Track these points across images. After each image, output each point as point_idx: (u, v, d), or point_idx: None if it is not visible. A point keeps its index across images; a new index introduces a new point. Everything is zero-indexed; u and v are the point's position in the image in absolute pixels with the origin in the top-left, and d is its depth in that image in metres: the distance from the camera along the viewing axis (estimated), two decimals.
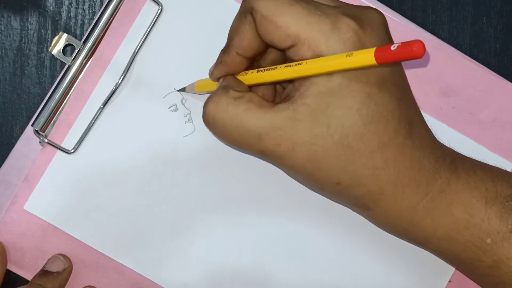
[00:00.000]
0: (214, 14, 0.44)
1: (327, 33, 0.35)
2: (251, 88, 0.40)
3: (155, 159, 0.44)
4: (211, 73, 0.41)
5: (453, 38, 0.47)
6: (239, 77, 0.40)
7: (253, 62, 0.40)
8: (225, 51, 0.39)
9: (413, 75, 0.45)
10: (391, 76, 0.37)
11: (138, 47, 0.44)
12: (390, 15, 0.45)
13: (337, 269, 0.45)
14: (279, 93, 0.42)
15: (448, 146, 0.41)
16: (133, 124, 0.44)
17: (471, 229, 0.38)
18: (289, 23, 0.36)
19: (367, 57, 0.33)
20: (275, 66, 0.38)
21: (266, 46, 0.39)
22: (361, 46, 0.35)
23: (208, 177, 0.45)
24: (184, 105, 0.45)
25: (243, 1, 0.38)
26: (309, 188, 0.43)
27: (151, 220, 0.44)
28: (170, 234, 0.44)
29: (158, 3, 0.44)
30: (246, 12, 0.38)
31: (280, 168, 0.41)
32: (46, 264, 0.44)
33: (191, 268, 0.45)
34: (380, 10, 0.44)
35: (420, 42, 0.31)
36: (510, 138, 0.45)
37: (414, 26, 0.45)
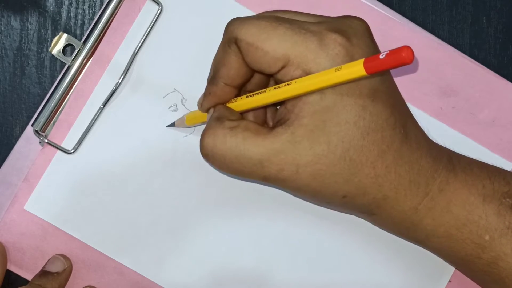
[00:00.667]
0: (214, 14, 0.44)
1: (314, 51, 0.35)
2: (242, 114, 0.40)
3: (155, 159, 0.44)
4: (200, 105, 0.41)
5: (453, 38, 0.47)
6: (229, 104, 0.40)
7: (241, 89, 0.40)
8: (212, 82, 0.39)
9: (413, 75, 0.45)
10: (381, 85, 0.37)
11: (138, 47, 0.44)
12: (390, 15, 0.45)
13: (337, 269, 0.45)
14: (271, 115, 0.42)
15: (445, 145, 0.41)
16: (133, 124, 0.44)
17: (470, 226, 0.39)
18: (275, 46, 0.36)
19: (356, 69, 0.33)
20: (264, 90, 0.38)
21: (253, 72, 0.39)
22: (350, 59, 0.35)
23: (208, 177, 0.45)
24: (184, 105, 0.45)
25: (225, 32, 0.38)
26: (315, 204, 0.43)
27: (151, 220, 0.44)
28: (170, 234, 0.44)
29: (158, 3, 0.44)
30: (230, 42, 0.37)
31: (285, 191, 0.41)
32: (46, 264, 0.44)
33: (191, 268, 0.45)
34: (380, 10, 0.44)
35: (408, 48, 0.30)
36: (510, 138, 0.45)
37: (414, 26, 0.45)
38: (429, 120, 0.45)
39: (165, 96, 0.45)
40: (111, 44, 0.44)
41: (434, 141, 0.40)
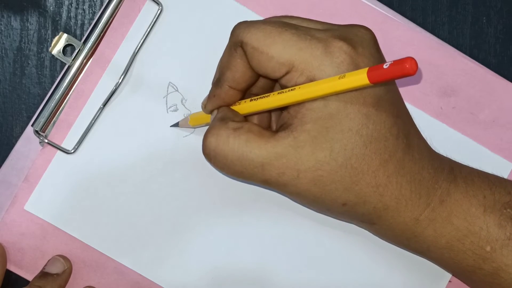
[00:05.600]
0: (214, 14, 0.44)
1: (319, 58, 0.35)
2: (246, 117, 0.40)
3: (155, 159, 0.44)
4: (204, 106, 0.41)
5: (453, 38, 0.47)
6: (233, 107, 0.40)
7: (246, 92, 0.40)
8: (217, 85, 0.39)
9: (414, 76, 0.45)
10: (386, 94, 0.37)
11: (138, 47, 0.44)
12: (390, 15, 0.45)
13: (337, 270, 0.45)
14: (276, 119, 0.42)
15: (445, 146, 0.41)
16: (133, 124, 0.44)
17: (471, 237, 0.39)
18: (280, 52, 0.36)
19: (360, 77, 0.33)
20: (268, 94, 0.38)
21: (258, 76, 0.39)
22: (355, 67, 0.35)
23: (208, 177, 0.45)
24: (184, 105, 0.45)
25: (231, 35, 0.38)
26: (314, 210, 0.43)
27: (151, 220, 0.44)
28: (170, 234, 0.44)
29: (158, 3, 0.44)
30: (236, 45, 0.37)
31: (285, 195, 0.41)
32: (45, 265, 0.44)
33: (191, 268, 0.45)
34: (380, 10, 0.44)
35: (412, 59, 0.30)
36: (510, 138, 0.45)
37: (414, 26, 0.45)
38: (429, 120, 0.45)
39: (165, 96, 0.45)
40: (111, 44, 0.44)
41: (435, 144, 0.41)
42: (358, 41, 0.36)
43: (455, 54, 0.45)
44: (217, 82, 0.39)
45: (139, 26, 0.44)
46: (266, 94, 0.38)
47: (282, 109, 0.39)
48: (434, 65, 0.45)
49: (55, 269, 0.43)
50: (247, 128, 0.37)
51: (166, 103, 0.45)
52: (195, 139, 0.45)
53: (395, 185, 0.37)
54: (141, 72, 0.44)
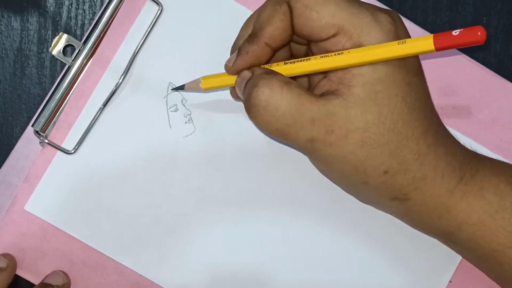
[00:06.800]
0: (214, 14, 0.44)
1: (370, 24, 0.36)
2: None
3: (155, 159, 0.44)
4: (231, 65, 0.39)
5: None
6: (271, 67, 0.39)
7: (274, 54, 0.40)
8: (252, 41, 0.38)
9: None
10: (419, 73, 0.38)
11: (138, 47, 0.44)
12: None
13: (337, 269, 0.45)
14: (308, 87, 0.41)
15: None
16: (133, 124, 0.44)
17: (502, 212, 0.39)
18: (333, 13, 0.36)
19: (425, 43, 0.34)
20: (308, 57, 0.37)
21: (291, 38, 0.39)
22: (398, 38, 0.36)
23: (208, 177, 0.45)
24: (184, 105, 0.45)
25: None
26: (345, 185, 0.42)
27: (151, 220, 0.44)
28: (170, 234, 0.44)
29: (158, 4, 0.44)
30: (281, 1, 0.37)
31: (319, 162, 0.40)
32: (45, 278, 0.44)
33: (191, 268, 0.45)
34: None
35: (482, 28, 0.32)
36: (510, 138, 0.45)
37: (414, 26, 0.45)
38: None
39: (165, 96, 0.45)
40: (111, 44, 0.44)
41: None
42: (395, 16, 0.38)
43: (455, 54, 0.45)
44: (252, 38, 0.38)
45: (139, 26, 0.44)
46: (306, 58, 0.38)
47: (320, 74, 0.39)
48: (434, 65, 0.45)
49: (55, 281, 0.43)
50: (297, 83, 0.37)
51: (166, 103, 0.45)
52: (195, 139, 0.45)
53: (433, 155, 0.38)
54: (141, 72, 0.45)
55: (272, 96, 0.36)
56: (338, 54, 0.36)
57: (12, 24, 0.46)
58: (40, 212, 0.44)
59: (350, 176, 0.39)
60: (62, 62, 0.45)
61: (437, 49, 0.34)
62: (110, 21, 0.44)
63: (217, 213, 0.45)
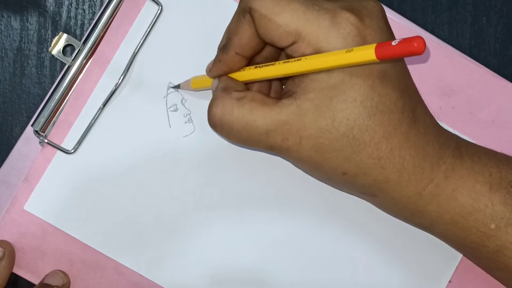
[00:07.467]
0: (213, 14, 0.44)
1: (326, 29, 0.35)
2: (247, 84, 0.40)
3: (155, 159, 0.44)
4: (209, 70, 0.41)
5: (453, 38, 0.47)
6: (237, 73, 0.40)
7: (251, 60, 0.40)
8: (223, 50, 0.39)
9: (413, 75, 0.44)
10: (392, 68, 0.37)
11: (138, 47, 0.44)
12: (390, 15, 0.45)
13: (337, 269, 0.45)
14: (275, 89, 0.42)
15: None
16: (133, 124, 0.44)
17: (475, 214, 0.39)
18: (288, 21, 0.36)
19: (367, 52, 0.33)
20: (273, 63, 0.38)
21: (264, 45, 0.39)
22: (362, 39, 0.35)
23: (208, 177, 0.45)
24: (184, 105, 0.45)
25: (240, 1, 0.38)
26: (316, 178, 0.43)
27: (151, 220, 0.44)
28: (170, 234, 0.44)
29: (158, 3, 0.44)
30: (245, 11, 0.38)
31: (288, 160, 0.41)
32: (45, 277, 0.44)
33: (191, 268, 0.45)
34: None
35: (420, 38, 0.31)
36: (510, 138, 0.45)
37: (414, 26, 0.45)
38: None
39: (165, 96, 0.45)
40: (111, 44, 0.44)
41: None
42: (366, 13, 0.36)
43: (455, 54, 0.45)
44: (224, 47, 0.39)
45: (139, 26, 0.44)
46: (271, 63, 0.38)
47: (285, 79, 0.39)
48: (434, 65, 0.45)
49: (54, 281, 0.43)
50: (250, 97, 0.38)
51: (166, 103, 0.45)
52: (195, 139, 0.45)
53: (397, 159, 0.37)
54: (141, 72, 0.44)
55: (224, 116, 0.38)
56: (296, 60, 0.36)
57: (11, 23, 0.46)
58: (40, 212, 0.44)
59: (313, 174, 0.42)
60: (61, 62, 0.45)
61: (379, 59, 0.32)
62: (110, 21, 0.44)
63: (217, 212, 0.45)
